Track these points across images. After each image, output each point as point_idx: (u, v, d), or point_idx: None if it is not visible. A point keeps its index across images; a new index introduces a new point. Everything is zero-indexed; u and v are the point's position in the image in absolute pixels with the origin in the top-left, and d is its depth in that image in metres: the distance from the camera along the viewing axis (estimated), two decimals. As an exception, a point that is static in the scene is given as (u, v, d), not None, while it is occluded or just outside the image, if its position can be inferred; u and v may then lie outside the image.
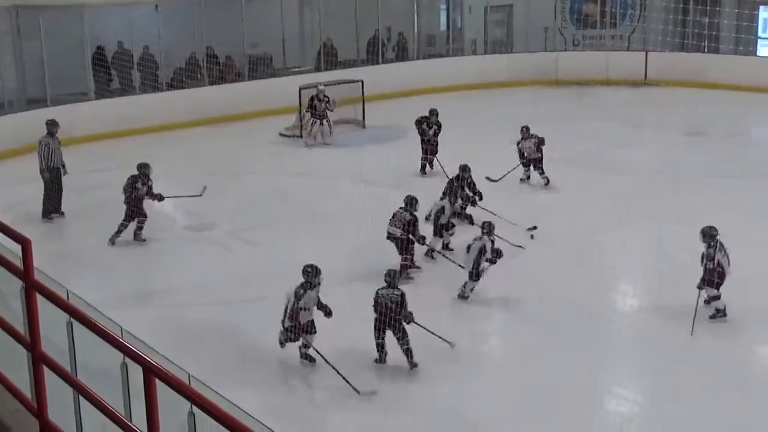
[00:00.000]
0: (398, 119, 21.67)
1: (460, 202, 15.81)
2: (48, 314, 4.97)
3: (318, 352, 10.93)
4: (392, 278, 11.16)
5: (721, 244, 11.37)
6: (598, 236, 14.79)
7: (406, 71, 26.08)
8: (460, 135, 20.24)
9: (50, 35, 21.46)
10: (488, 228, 12.61)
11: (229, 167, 19.55)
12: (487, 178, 16.96)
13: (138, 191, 15.14)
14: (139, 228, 15.43)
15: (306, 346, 11.05)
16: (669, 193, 16.51)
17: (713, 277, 11.44)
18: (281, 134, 21.59)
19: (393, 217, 14.22)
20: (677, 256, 13.48)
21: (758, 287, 12.83)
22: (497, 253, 12.39)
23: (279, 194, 18.37)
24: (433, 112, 18.66)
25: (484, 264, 12.41)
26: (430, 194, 15.87)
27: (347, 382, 10.57)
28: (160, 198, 15.78)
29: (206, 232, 16.20)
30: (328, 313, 11.01)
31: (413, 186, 16.88)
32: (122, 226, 15.19)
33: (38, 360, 4.72)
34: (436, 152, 18.56)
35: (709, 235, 11.38)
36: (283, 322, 10.92)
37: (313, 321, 11.04)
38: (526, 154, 17.56)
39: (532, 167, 17.57)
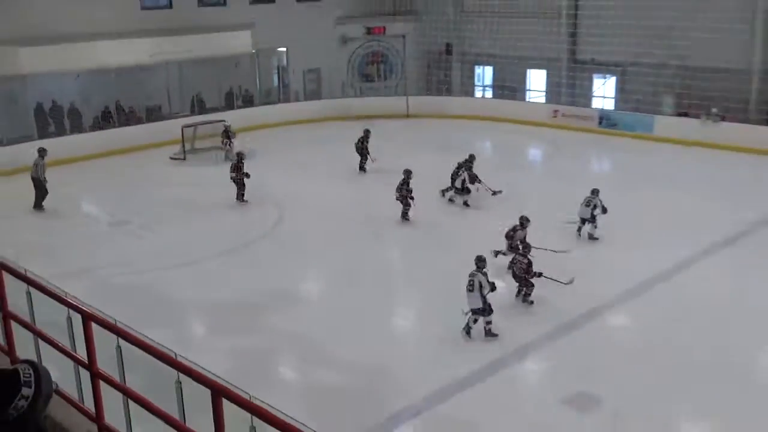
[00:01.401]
0: (249, 146, 22.44)
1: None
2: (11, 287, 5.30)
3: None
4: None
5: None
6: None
7: (252, 113, 27.31)
8: (298, 150, 22.63)
9: (1, 96, 22.88)
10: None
11: (137, 181, 20.78)
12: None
13: None
14: None
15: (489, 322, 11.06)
16: (427, 184, 17.82)
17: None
18: (171, 158, 23.16)
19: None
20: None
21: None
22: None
23: (172, 197, 19.35)
24: (367, 133, 20.93)
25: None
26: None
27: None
28: None
29: (124, 225, 17.23)
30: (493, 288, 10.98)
31: (266, 187, 19.17)
32: None
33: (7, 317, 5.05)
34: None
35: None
36: (484, 311, 10.98)
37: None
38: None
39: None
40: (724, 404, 9.46)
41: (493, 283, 11.19)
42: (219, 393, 3.12)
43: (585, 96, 27.62)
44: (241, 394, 4.56)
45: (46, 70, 23.20)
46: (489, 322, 11.20)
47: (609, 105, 27.30)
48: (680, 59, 24.11)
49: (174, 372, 3.97)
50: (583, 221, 15.16)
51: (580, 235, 15.31)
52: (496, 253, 13.49)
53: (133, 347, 3.86)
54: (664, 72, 24.79)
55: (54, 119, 24.85)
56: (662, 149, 22.96)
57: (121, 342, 4.36)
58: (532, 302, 12.42)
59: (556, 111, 26.94)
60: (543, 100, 28.95)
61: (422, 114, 27.91)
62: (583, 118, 26.07)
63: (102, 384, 4.10)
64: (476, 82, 31.15)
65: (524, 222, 13.81)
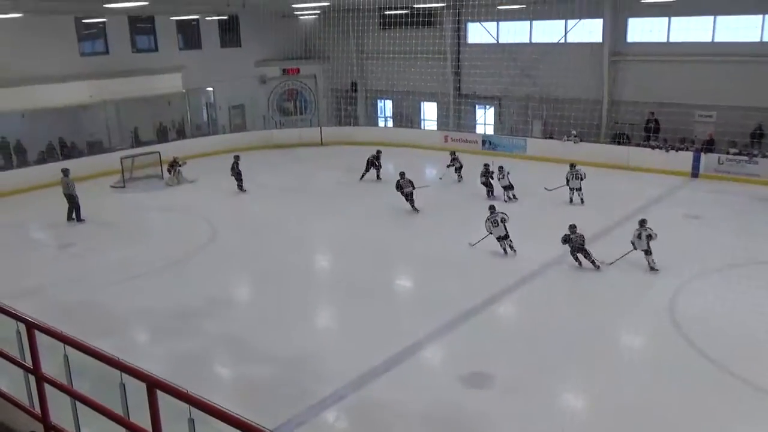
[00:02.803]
0: (182, 172, 22.84)
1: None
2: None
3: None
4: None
5: None
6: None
7: (184, 145, 26.60)
8: (226, 175, 21.61)
9: None
10: (492, 209, 14.38)
11: (83, 208, 19.30)
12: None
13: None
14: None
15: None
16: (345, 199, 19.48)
17: None
18: (111, 186, 22.54)
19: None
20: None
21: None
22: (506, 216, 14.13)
23: (113, 221, 18.87)
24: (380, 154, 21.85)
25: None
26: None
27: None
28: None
29: (70, 247, 16.67)
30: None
31: (199, 208, 19.31)
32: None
33: None
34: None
35: None
36: (507, 236, 13.75)
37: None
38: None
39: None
40: (598, 378, 9.79)
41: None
42: (153, 386, 2.98)
43: (470, 123, 28.24)
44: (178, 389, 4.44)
45: (-7, 110, 22.62)
46: (512, 241, 14.26)
47: (489, 130, 27.94)
48: (544, 92, 25.25)
49: (117, 375, 3.79)
50: (644, 251, 13.61)
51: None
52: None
53: (81, 359, 3.74)
54: (531, 103, 25.89)
55: (2, 155, 23.88)
56: (534, 166, 23.68)
57: (68, 350, 4.10)
58: (599, 266, 13.49)
59: (446, 136, 27.37)
60: (435, 127, 29.43)
61: (334, 142, 28.03)
62: (469, 141, 26.61)
63: (52, 392, 3.91)
64: (378, 114, 31.60)
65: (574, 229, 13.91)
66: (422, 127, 29.89)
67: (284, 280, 13.86)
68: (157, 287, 13.73)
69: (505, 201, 18.70)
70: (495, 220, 14.20)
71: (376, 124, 31.18)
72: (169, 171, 22.56)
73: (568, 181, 18.53)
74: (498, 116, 27.87)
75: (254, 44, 30.14)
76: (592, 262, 13.46)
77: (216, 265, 15.12)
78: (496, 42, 27.11)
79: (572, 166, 18.69)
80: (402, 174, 18.26)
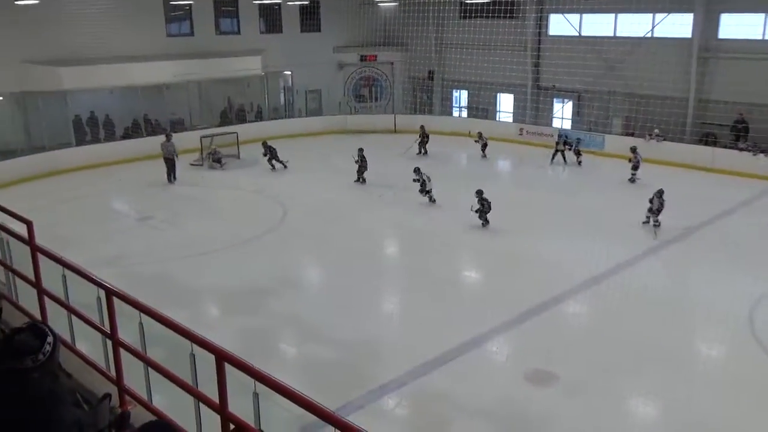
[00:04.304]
0: (258, 154, 22.92)
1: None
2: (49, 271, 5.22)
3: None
4: None
5: None
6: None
7: (262, 127, 27.00)
8: (310, 156, 22.79)
9: (46, 108, 22.69)
10: (480, 193, 15.46)
11: (161, 184, 20.55)
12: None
13: None
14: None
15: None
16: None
17: None
18: (191, 164, 22.80)
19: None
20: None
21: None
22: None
23: (191, 197, 19.48)
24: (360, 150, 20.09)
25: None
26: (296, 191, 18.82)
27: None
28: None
29: (148, 220, 17.26)
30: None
31: (271, 189, 19.61)
32: None
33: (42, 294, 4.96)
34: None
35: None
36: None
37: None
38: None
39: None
40: (667, 384, 9.43)
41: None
42: (222, 358, 3.04)
43: (546, 117, 27.61)
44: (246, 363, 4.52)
45: (83, 87, 23.15)
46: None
47: (567, 125, 27.23)
48: (627, 88, 24.36)
49: (188, 345, 3.90)
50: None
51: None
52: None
53: (156, 328, 3.83)
54: (613, 98, 25.06)
55: (91, 129, 24.76)
56: (611, 163, 22.93)
57: (144, 319, 4.25)
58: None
59: (521, 129, 26.87)
60: (510, 119, 28.90)
61: (407, 130, 27.63)
62: (545, 135, 25.94)
63: (128, 357, 4.05)
64: (453, 104, 31.20)
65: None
66: (497, 119, 29.35)
67: (351, 265, 13.91)
68: (228, 264, 14.02)
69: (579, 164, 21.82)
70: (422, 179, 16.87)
71: (450, 113, 30.82)
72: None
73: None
74: (576, 111, 27.12)
75: (333, 30, 30.37)
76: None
77: (285, 246, 15.32)
78: (578, 35, 26.34)
79: (634, 149, 19.77)
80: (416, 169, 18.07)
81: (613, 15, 25.16)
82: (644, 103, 23.66)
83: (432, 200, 17.90)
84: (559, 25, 27.02)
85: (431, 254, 14.48)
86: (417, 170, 17.91)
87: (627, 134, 24.64)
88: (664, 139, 23.22)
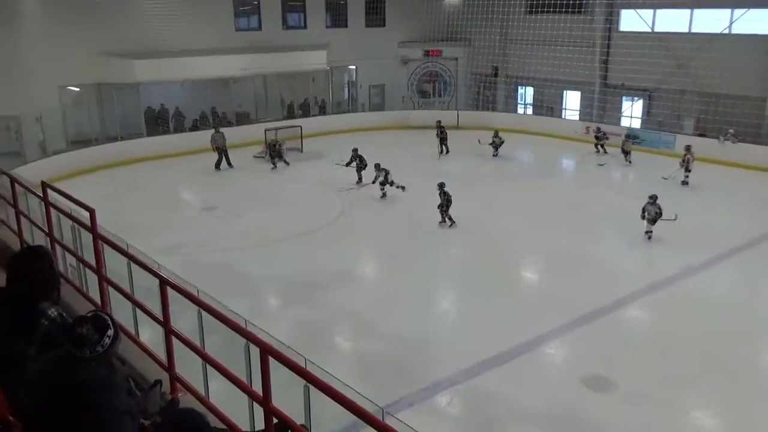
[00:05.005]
0: (321, 148, 23.75)
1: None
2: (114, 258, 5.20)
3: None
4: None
5: None
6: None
7: (325, 121, 27.64)
8: (369, 151, 21.51)
9: (119, 100, 23.41)
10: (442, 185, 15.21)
11: (226, 175, 21.03)
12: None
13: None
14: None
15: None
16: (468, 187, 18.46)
17: None
18: (254, 156, 23.12)
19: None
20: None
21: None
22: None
23: (253, 188, 19.70)
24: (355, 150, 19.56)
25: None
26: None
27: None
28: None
29: (212, 210, 17.50)
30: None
31: (333, 182, 19.61)
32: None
33: (103, 281, 4.85)
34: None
35: None
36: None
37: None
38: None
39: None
40: (729, 399, 9.05)
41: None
42: (266, 352, 3.05)
43: (614, 116, 26.84)
44: (298, 357, 4.56)
45: (155, 79, 23.68)
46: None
47: (635, 124, 26.43)
48: (701, 86, 23.41)
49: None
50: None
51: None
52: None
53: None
54: (685, 97, 24.15)
55: (161, 121, 25.37)
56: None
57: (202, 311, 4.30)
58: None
59: (587, 127, 26.12)
60: (577, 117, 28.21)
61: (470, 126, 27.44)
62: (613, 134, 25.10)
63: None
64: (518, 101, 30.72)
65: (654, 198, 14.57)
66: (563, 117, 28.71)
67: (408, 262, 13.89)
68: (288, 255, 14.19)
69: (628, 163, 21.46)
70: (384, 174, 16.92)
71: (515, 110, 30.40)
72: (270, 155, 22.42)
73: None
74: (646, 109, 26.25)
75: (398, 25, 30.40)
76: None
77: (345, 239, 15.40)
78: (650, 30, 25.47)
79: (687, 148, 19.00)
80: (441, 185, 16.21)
81: (688, 10, 24.25)
82: (718, 102, 22.69)
83: (384, 195, 17.97)
84: (631, 20, 26.22)
85: (491, 253, 14.30)
86: (441, 185, 15.96)
87: (698, 135, 23.70)
88: (739, 140, 22.22)
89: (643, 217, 14.45)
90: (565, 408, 8.71)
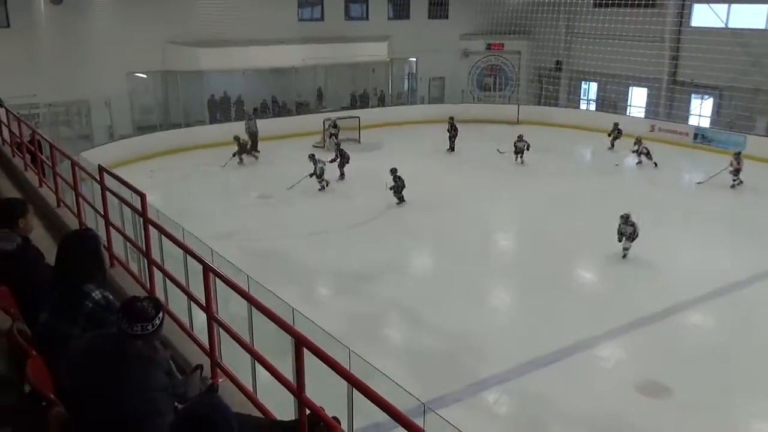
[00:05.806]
0: (378, 139, 23.79)
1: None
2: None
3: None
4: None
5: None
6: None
7: (383, 112, 27.58)
8: (425, 145, 22.70)
9: (184, 87, 23.96)
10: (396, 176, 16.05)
11: (284, 163, 20.82)
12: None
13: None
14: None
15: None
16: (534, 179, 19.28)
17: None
18: (314, 145, 22.77)
19: None
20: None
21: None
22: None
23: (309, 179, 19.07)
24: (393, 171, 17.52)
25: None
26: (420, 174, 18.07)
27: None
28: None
29: (268, 199, 17.73)
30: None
31: (387, 175, 18.10)
32: None
33: (151, 264, 4.91)
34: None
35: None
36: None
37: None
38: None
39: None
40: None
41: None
42: (300, 343, 3.03)
43: (682, 114, 25.90)
44: (342, 348, 4.53)
45: (218, 68, 24.01)
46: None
47: (704, 123, 25.44)
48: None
49: (292, 323, 3.81)
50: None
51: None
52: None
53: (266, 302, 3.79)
54: (759, 97, 23.08)
55: (223, 108, 25.71)
56: (753, 166, 21.10)
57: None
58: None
59: (653, 125, 25.30)
60: (642, 114, 27.31)
61: (530, 121, 26.88)
62: (680, 133, 24.47)
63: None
64: (582, 96, 29.97)
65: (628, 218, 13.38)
66: (628, 113, 27.69)
67: (461, 256, 13.71)
68: (339, 245, 14.23)
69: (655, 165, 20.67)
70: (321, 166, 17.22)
71: (577, 106, 29.59)
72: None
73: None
74: (717, 108, 25.21)
75: (461, 17, 29.92)
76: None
77: (396, 231, 15.33)
78: (724, 26, 24.42)
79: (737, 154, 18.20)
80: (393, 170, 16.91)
81: (765, 5, 23.15)
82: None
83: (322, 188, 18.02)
84: (704, 15, 25.21)
85: (546, 252, 13.95)
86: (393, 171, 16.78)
87: (773, 135, 22.63)
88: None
89: (620, 240, 13.33)
90: (616, 413, 8.46)
